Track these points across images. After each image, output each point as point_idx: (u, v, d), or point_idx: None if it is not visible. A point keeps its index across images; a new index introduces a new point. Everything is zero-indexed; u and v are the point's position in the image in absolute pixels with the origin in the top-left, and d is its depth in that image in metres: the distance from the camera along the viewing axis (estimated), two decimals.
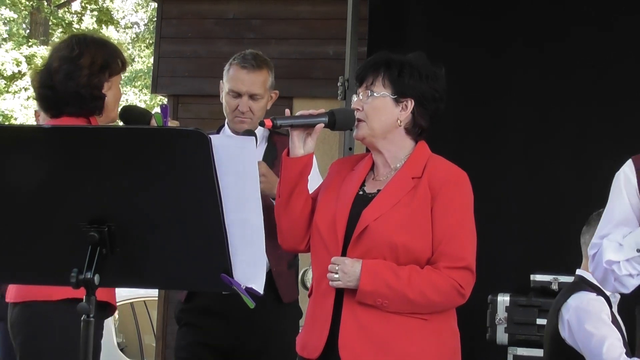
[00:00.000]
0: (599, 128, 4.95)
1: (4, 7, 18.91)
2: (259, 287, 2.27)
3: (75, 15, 20.92)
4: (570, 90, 5.00)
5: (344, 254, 2.80)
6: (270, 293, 3.32)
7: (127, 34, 22.03)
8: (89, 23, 20.52)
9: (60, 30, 19.68)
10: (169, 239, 2.25)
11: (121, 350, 8.83)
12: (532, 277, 4.68)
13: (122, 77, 3.35)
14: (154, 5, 9.77)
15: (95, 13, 20.93)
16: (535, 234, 4.96)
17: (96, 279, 2.20)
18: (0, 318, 4.19)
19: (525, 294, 4.67)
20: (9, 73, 17.97)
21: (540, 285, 4.65)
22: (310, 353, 2.84)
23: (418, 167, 2.86)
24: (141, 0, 21.53)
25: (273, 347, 3.54)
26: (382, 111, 2.87)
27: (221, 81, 3.66)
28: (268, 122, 2.77)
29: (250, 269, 2.26)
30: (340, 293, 2.79)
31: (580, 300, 3.57)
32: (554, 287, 4.58)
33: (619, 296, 3.67)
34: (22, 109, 17.72)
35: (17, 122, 16.74)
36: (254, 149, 2.27)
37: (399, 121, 2.88)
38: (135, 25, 22.53)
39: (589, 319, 3.51)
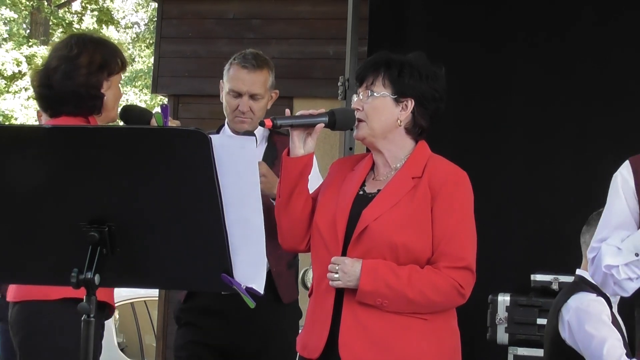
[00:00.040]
0: (600, 127, 4.94)
1: (4, 7, 18.91)
2: (259, 287, 2.27)
3: (75, 15, 20.92)
4: (570, 88, 5.00)
5: (344, 253, 2.80)
6: (270, 293, 3.31)
7: (127, 34, 22.03)
8: (89, 23, 20.52)
9: (61, 30, 19.68)
10: (169, 239, 2.25)
11: (121, 350, 8.83)
12: (532, 276, 4.68)
13: (123, 77, 3.35)
14: (154, 5, 9.78)
15: (96, 13, 20.94)
16: (535, 234, 4.95)
17: (96, 279, 2.20)
18: (1, 318, 4.20)
19: (525, 294, 4.67)
20: (9, 73, 17.98)
21: (540, 285, 4.65)
22: (311, 353, 2.84)
23: (418, 167, 2.86)
24: (141, 0, 21.54)
25: (272, 347, 3.53)
26: (382, 111, 2.87)
27: (221, 81, 3.65)
28: (268, 122, 2.77)
29: (250, 268, 2.26)
30: (340, 293, 2.79)
31: (580, 301, 3.57)
32: (555, 287, 4.58)
33: (619, 296, 3.66)
34: (22, 109, 17.71)
35: (17, 122, 16.74)
36: (254, 149, 2.27)
37: (399, 121, 2.88)
38: (135, 25, 22.55)
39: (589, 320, 3.50)
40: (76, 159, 2.23)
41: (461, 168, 2.89)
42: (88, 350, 2.21)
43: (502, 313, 4.64)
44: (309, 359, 2.84)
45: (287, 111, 2.93)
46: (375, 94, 2.87)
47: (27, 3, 19.42)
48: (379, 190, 2.87)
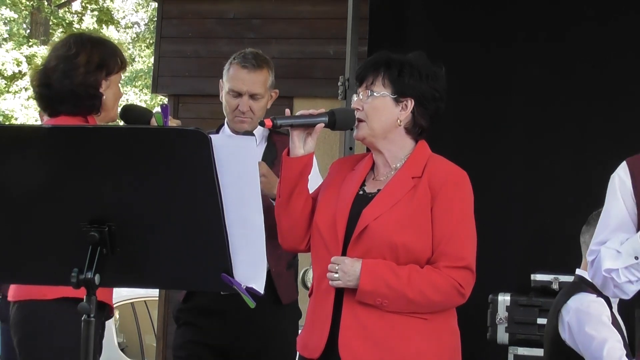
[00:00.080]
0: (600, 127, 4.94)
1: (5, 7, 18.91)
2: (260, 286, 2.27)
3: (75, 15, 20.92)
4: (570, 88, 5.00)
5: (344, 253, 2.80)
6: (270, 293, 3.31)
7: (127, 33, 22.02)
8: (89, 23, 20.52)
9: (61, 30, 19.68)
10: (169, 239, 2.25)
11: (122, 350, 8.83)
12: (532, 276, 4.68)
13: (122, 77, 3.35)
14: (155, 5, 9.77)
15: (96, 13, 20.93)
16: (535, 234, 4.95)
17: (96, 278, 2.20)
18: (2, 319, 4.20)
19: (525, 294, 4.67)
20: (10, 73, 17.97)
21: (540, 285, 4.65)
22: (311, 353, 2.84)
23: (418, 166, 2.86)
24: (141, 0, 21.53)
25: (272, 348, 3.53)
26: (382, 111, 2.87)
27: (221, 80, 3.65)
28: (268, 122, 2.77)
29: (250, 268, 2.25)
30: (340, 293, 2.79)
31: (580, 302, 3.56)
32: (555, 286, 4.57)
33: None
34: (23, 109, 17.72)
35: (17, 122, 16.74)
36: (254, 148, 2.27)
37: (399, 121, 2.88)
38: (135, 25, 22.54)
39: (589, 322, 3.49)
40: (76, 159, 2.23)
41: (461, 168, 2.89)
42: (88, 350, 2.21)
43: (502, 313, 4.64)
44: (309, 359, 2.85)
45: (287, 111, 2.93)
46: (375, 93, 2.87)
47: (27, 3, 19.41)
48: (379, 190, 2.87)
